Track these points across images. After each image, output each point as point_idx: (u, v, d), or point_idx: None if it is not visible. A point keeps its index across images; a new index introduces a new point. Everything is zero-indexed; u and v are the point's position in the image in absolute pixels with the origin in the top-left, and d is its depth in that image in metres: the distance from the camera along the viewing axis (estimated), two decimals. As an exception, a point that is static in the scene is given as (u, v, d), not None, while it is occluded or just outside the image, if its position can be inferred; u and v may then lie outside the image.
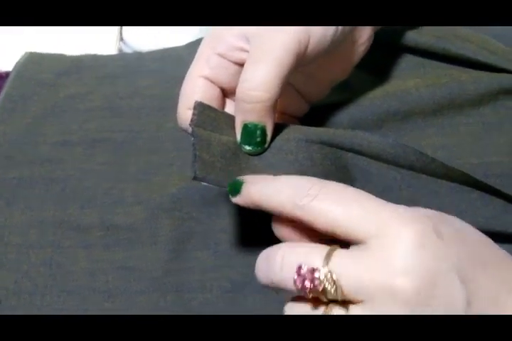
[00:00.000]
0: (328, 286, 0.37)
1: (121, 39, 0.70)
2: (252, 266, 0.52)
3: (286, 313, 0.41)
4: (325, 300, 0.38)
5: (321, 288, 0.37)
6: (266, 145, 0.48)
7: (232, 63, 0.49)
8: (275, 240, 0.53)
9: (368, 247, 0.39)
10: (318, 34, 0.47)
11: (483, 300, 0.38)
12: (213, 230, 0.55)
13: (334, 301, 0.38)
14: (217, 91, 0.51)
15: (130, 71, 0.65)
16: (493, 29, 0.64)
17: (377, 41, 0.61)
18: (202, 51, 0.51)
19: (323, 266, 0.38)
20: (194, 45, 0.65)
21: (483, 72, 0.60)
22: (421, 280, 0.37)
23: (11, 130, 0.61)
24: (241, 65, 0.48)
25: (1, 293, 0.54)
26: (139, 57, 0.66)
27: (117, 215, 0.56)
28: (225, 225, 0.55)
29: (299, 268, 0.38)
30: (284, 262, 0.39)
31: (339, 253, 0.39)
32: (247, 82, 0.46)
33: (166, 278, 0.53)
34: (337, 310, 0.38)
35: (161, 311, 0.52)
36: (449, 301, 0.38)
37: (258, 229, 0.55)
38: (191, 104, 0.48)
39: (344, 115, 0.57)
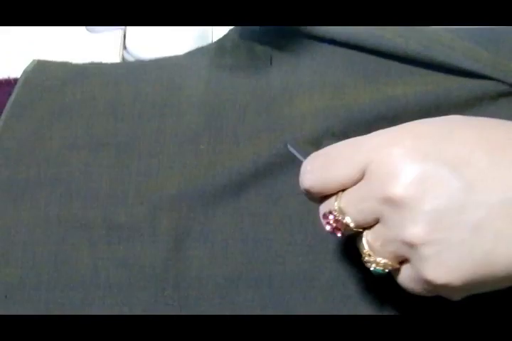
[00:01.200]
0: (345, 219, 0.44)
1: (125, 48, 0.71)
2: (245, 263, 0.55)
3: None
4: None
5: (340, 224, 0.44)
6: None
7: None
8: (269, 240, 0.56)
9: (365, 176, 0.43)
10: None
11: (489, 179, 0.39)
12: (210, 229, 0.57)
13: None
14: None
15: (132, 78, 0.67)
16: (474, 34, 0.67)
17: (367, 48, 0.64)
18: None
19: (336, 206, 0.44)
20: (193, 54, 0.68)
21: (468, 79, 0.62)
22: (410, 184, 0.40)
23: (20, 134, 0.64)
24: None
25: (7, 288, 0.56)
26: (141, 65, 0.68)
27: (119, 215, 0.58)
28: (221, 225, 0.57)
29: (324, 215, 0.46)
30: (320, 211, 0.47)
31: (347, 191, 0.44)
32: None
33: (164, 274, 0.56)
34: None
35: (159, 305, 0.55)
36: (446, 190, 0.39)
37: (255, 229, 0.57)
38: None
39: (334, 118, 0.60)
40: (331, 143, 0.47)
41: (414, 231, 0.40)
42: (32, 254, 0.57)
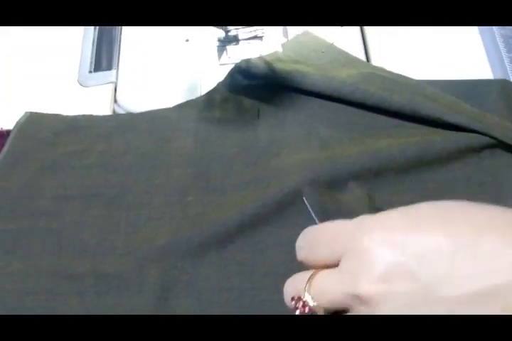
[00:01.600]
0: (310, 303, 0.44)
1: (115, 101, 0.73)
2: (232, 312, 0.55)
3: None
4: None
5: (308, 310, 0.44)
6: None
7: None
8: (255, 289, 0.57)
9: (340, 263, 0.44)
10: None
11: (452, 274, 0.40)
12: (197, 279, 0.58)
13: None
14: None
15: (122, 131, 0.68)
16: (457, 88, 0.69)
17: (353, 101, 0.66)
18: None
19: (305, 291, 0.44)
20: (182, 107, 0.70)
21: (451, 131, 0.64)
22: (377, 281, 0.41)
23: (13, 185, 0.65)
24: None
25: None
26: (131, 118, 0.70)
27: (107, 265, 0.59)
28: (207, 274, 0.58)
29: (292, 298, 0.45)
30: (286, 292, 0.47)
31: (318, 279, 0.45)
32: None
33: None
34: None
35: None
36: (410, 287, 0.40)
37: (241, 279, 0.58)
38: None
39: (321, 171, 0.61)
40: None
41: None
42: (22, 304, 0.58)
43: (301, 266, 0.56)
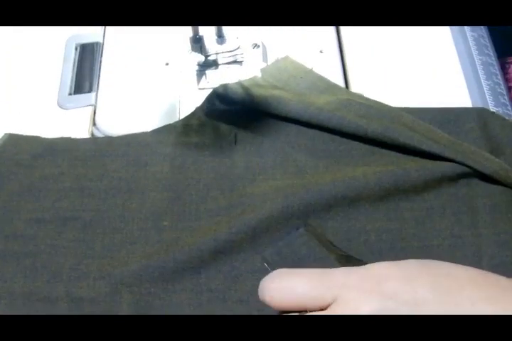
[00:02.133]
0: None
1: (94, 124, 0.73)
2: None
3: None
4: None
5: None
6: None
7: None
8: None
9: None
10: None
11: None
12: (169, 305, 0.59)
13: None
14: None
15: (100, 155, 0.69)
16: (435, 115, 0.69)
17: (330, 128, 0.66)
18: None
19: None
20: (160, 131, 0.70)
21: (427, 160, 0.64)
22: None
23: None
24: None
25: None
26: (109, 141, 0.70)
27: (82, 289, 0.60)
28: (180, 301, 0.59)
29: None
30: None
31: None
32: None
33: None
34: None
35: None
36: None
37: (213, 306, 0.59)
38: None
39: (294, 198, 0.61)
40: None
41: None
42: None
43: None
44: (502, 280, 0.45)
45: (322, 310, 0.45)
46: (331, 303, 0.45)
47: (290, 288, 0.47)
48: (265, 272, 0.58)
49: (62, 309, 0.59)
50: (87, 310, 0.59)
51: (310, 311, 0.46)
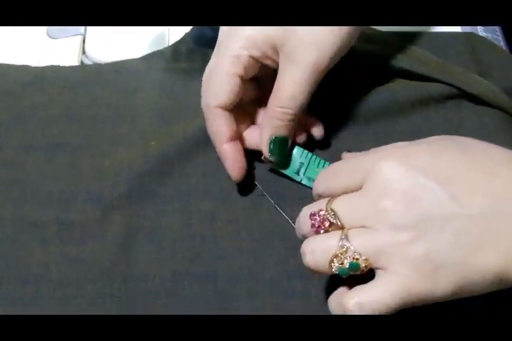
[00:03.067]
0: (330, 218, 0.46)
1: (84, 52, 0.73)
2: (192, 259, 0.56)
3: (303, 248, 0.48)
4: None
5: (326, 224, 0.46)
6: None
7: (263, 68, 0.57)
8: (216, 236, 0.57)
9: (363, 187, 0.47)
10: (336, 48, 0.54)
11: (469, 197, 0.43)
12: (159, 226, 0.59)
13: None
14: (250, 90, 0.60)
15: (89, 82, 0.68)
16: (423, 39, 0.68)
17: None
18: (231, 48, 0.55)
19: (328, 208, 0.46)
20: (149, 58, 0.69)
21: (414, 81, 0.64)
22: (401, 196, 0.44)
23: None
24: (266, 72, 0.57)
25: None
26: (98, 68, 0.70)
27: (71, 212, 0.60)
28: (170, 222, 0.59)
29: (311, 214, 0.48)
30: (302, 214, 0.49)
31: (343, 196, 0.47)
32: (282, 100, 0.54)
33: (113, 268, 0.57)
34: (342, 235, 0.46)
35: (106, 298, 0.56)
36: (433, 199, 0.43)
37: (202, 226, 0.59)
38: (225, 102, 0.56)
39: None
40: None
41: (405, 236, 0.44)
42: None
43: (263, 214, 0.57)
44: None
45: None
46: (366, 177, 0.47)
47: (335, 178, 0.49)
48: (255, 192, 0.59)
49: (52, 233, 0.59)
50: (77, 233, 0.59)
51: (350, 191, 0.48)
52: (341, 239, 0.45)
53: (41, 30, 0.75)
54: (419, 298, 0.44)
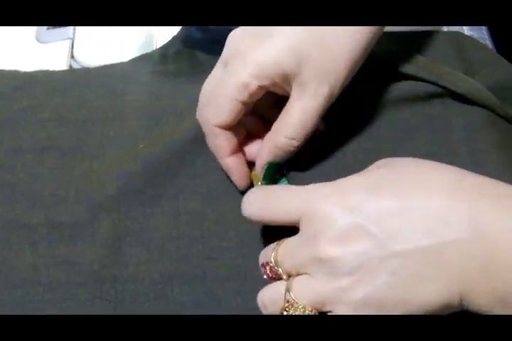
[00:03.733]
0: (279, 271, 0.49)
1: (72, 57, 0.73)
2: (181, 260, 0.56)
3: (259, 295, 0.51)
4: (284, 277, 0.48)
5: (275, 274, 0.49)
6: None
7: (269, 98, 0.56)
8: (204, 237, 0.57)
9: (300, 229, 0.48)
10: (349, 72, 0.55)
11: (404, 231, 0.44)
12: (148, 228, 0.59)
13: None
14: (254, 119, 0.59)
15: (78, 85, 0.68)
16: (409, 37, 0.69)
17: None
18: (239, 74, 0.53)
19: (272, 259, 0.49)
20: (137, 61, 0.69)
21: (399, 81, 0.64)
22: (335, 242, 0.45)
23: None
24: (275, 101, 0.56)
25: None
26: (87, 72, 0.70)
27: (61, 214, 0.60)
28: (158, 223, 0.59)
29: (262, 264, 0.51)
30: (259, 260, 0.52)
31: (283, 245, 0.49)
32: (290, 131, 0.54)
33: (102, 270, 0.57)
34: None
35: (96, 301, 0.56)
36: (367, 243, 0.44)
37: (191, 227, 0.59)
38: (226, 124, 0.55)
39: None
40: None
41: (343, 282, 0.45)
42: None
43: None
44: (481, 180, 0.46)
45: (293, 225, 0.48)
46: (301, 217, 0.48)
47: (268, 206, 0.50)
48: (243, 192, 0.59)
49: (41, 235, 0.59)
50: (66, 235, 0.59)
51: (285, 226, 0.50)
52: (286, 291, 0.47)
53: (30, 35, 0.75)
54: None
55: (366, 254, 0.44)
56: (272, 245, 0.50)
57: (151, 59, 0.70)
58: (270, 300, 0.49)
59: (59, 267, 0.58)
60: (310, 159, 0.61)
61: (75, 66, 0.72)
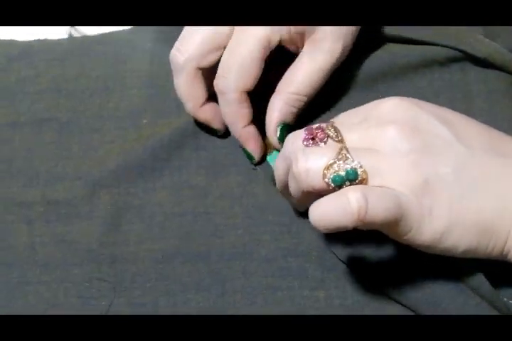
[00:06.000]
0: (329, 131, 0.44)
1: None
2: (183, 238, 0.53)
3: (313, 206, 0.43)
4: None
5: (323, 133, 0.44)
6: None
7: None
8: (208, 213, 0.55)
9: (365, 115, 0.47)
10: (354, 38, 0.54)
11: (470, 138, 0.44)
12: (149, 204, 0.56)
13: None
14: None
15: (77, 54, 0.66)
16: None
17: None
18: (259, 31, 0.52)
19: (326, 125, 0.45)
20: (139, 28, 0.67)
21: (415, 45, 0.60)
22: (403, 125, 0.43)
23: None
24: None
25: None
26: (86, 40, 0.67)
27: (58, 191, 0.58)
28: (160, 199, 0.56)
29: (309, 128, 0.46)
30: (296, 136, 0.47)
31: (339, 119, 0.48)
32: (299, 87, 0.53)
33: (101, 250, 0.55)
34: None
35: (94, 282, 0.54)
36: (436, 134, 0.43)
37: (194, 203, 0.56)
38: (251, 87, 0.52)
39: None
40: None
41: (406, 159, 0.42)
42: None
43: (257, 189, 0.54)
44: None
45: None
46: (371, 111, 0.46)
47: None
48: (249, 165, 0.56)
49: (37, 213, 0.57)
50: (63, 212, 0.57)
51: None
52: (341, 148, 0.43)
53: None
54: (407, 222, 0.42)
55: (435, 141, 0.43)
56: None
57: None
58: (318, 152, 0.44)
59: (56, 246, 0.56)
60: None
61: (75, 34, 0.70)
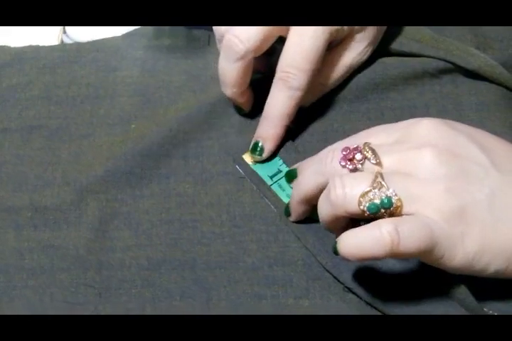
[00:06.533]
0: (367, 153, 0.45)
1: (64, 32, 0.71)
2: (170, 245, 0.53)
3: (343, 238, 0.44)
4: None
5: (361, 155, 0.45)
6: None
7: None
8: (195, 221, 0.55)
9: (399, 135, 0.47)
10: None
11: (506, 163, 0.44)
12: (137, 211, 0.56)
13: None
14: None
15: (69, 61, 0.66)
16: None
17: None
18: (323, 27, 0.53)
19: (363, 146, 0.45)
20: (131, 35, 0.67)
21: (406, 57, 0.60)
22: (440, 149, 0.43)
23: None
24: None
25: None
26: (78, 47, 0.67)
27: (46, 197, 0.57)
28: (148, 206, 0.56)
29: (346, 148, 0.46)
30: (333, 154, 0.47)
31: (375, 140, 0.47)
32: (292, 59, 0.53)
33: (88, 256, 0.54)
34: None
35: (81, 288, 0.53)
36: (472, 160, 0.43)
37: (181, 210, 0.56)
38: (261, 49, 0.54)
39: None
40: None
41: (442, 185, 0.42)
42: None
43: (245, 197, 0.54)
44: None
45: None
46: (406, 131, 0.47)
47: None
48: (237, 174, 0.56)
49: (25, 218, 0.57)
50: (51, 218, 0.57)
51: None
52: (376, 176, 0.43)
53: (22, 10, 0.73)
54: (439, 249, 0.42)
55: (471, 167, 0.43)
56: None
57: (145, 34, 0.68)
58: (355, 180, 0.44)
59: (43, 252, 0.55)
60: (305, 138, 0.59)
61: (67, 41, 0.70)
